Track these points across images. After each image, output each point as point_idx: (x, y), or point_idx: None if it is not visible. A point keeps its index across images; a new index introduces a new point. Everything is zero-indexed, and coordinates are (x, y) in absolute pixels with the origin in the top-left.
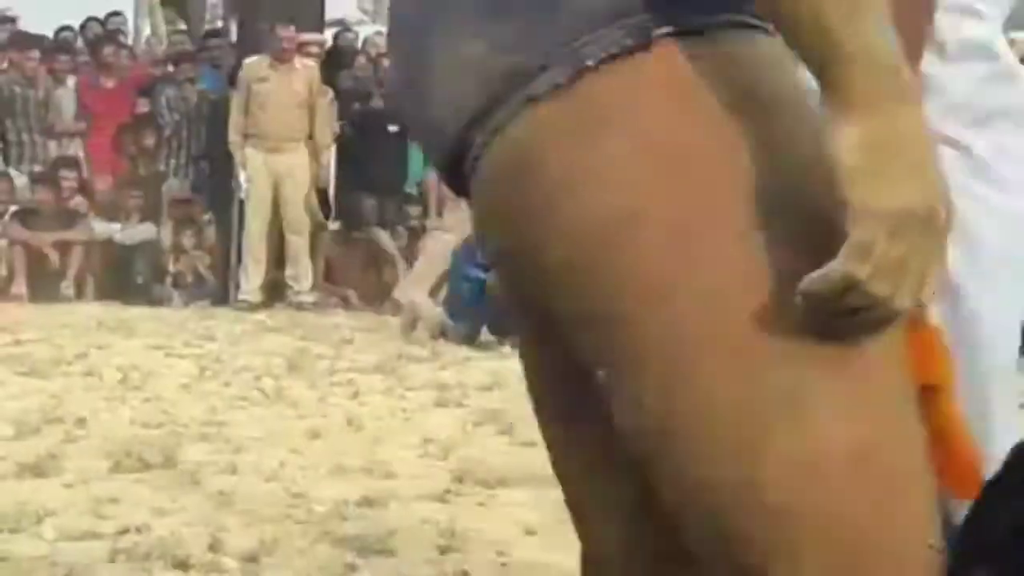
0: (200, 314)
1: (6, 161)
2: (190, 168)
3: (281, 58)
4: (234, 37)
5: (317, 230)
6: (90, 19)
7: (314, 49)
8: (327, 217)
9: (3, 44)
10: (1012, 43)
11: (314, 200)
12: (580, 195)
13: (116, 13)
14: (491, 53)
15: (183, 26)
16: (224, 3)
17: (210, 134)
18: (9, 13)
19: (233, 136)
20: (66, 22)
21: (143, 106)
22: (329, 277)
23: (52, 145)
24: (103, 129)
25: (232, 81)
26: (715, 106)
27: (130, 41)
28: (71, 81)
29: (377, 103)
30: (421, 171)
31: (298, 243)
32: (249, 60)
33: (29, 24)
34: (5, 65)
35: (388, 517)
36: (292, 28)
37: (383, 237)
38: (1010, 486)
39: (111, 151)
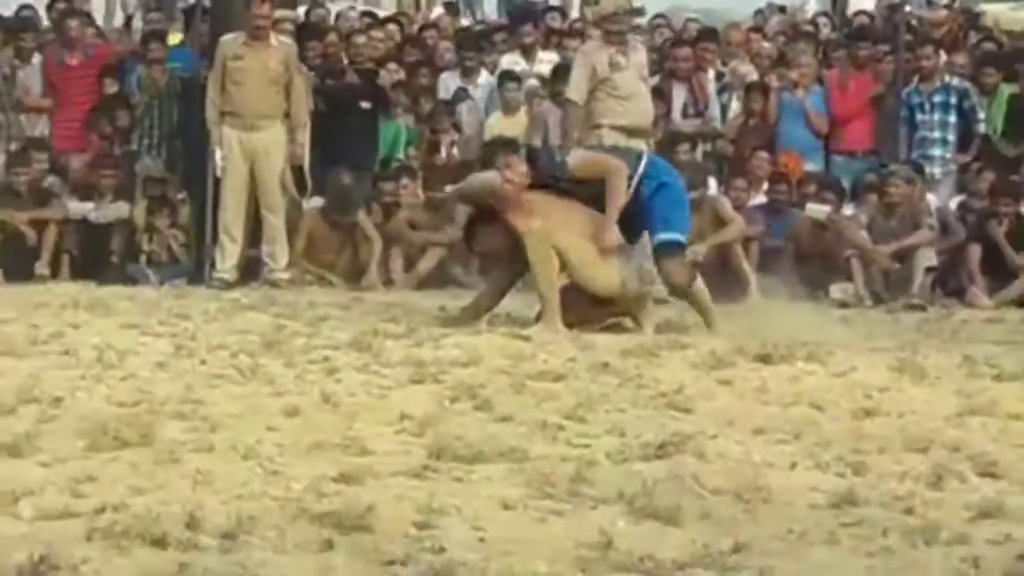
0: (175, 292)
1: None
2: (163, 147)
3: (256, 35)
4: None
5: (293, 208)
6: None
7: (287, 26)
8: (303, 194)
9: None
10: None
11: (289, 178)
12: None
13: None
14: None
15: (156, 4)
16: None
17: (183, 112)
18: None
19: (210, 114)
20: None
21: (111, 85)
22: (308, 254)
23: (23, 120)
24: (70, 107)
25: (206, 59)
26: None
27: (100, 20)
28: (36, 59)
29: (349, 79)
30: (391, 148)
31: (274, 221)
32: (225, 37)
33: None
34: None
35: (365, 494)
36: (267, 5)
37: (361, 215)
38: None
39: (80, 129)
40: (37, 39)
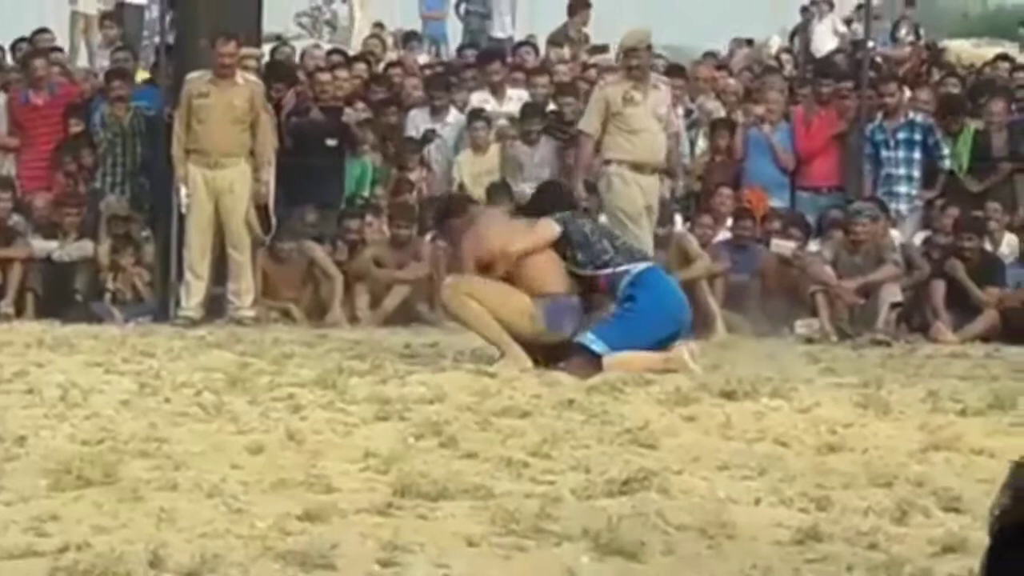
0: (140, 330)
1: None
2: (127, 185)
3: (222, 74)
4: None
5: (256, 245)
6: (19, 40)
7: (251, 63)
8: (267, 232)
9: None
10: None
11: (253, 216)
12: None
13: (44, 30)
14: None
15: (122, 42)
16: (161, 19)
17: (148, 150)
18: None
19: (175, 151)
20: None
21: (76, 124)
22: (268, 292)
23: None
24: (35, 146)
25: (169, 97)
26: None
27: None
28: (1, 98)
29: (315, 116)
30: (356, 185)
31: (239, 259)
32: (191, 75)
33: None
34: None
35: (330, 531)
36: (233, 43)
37: (318, 252)
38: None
39: (46, 168)
40: (2, 78)
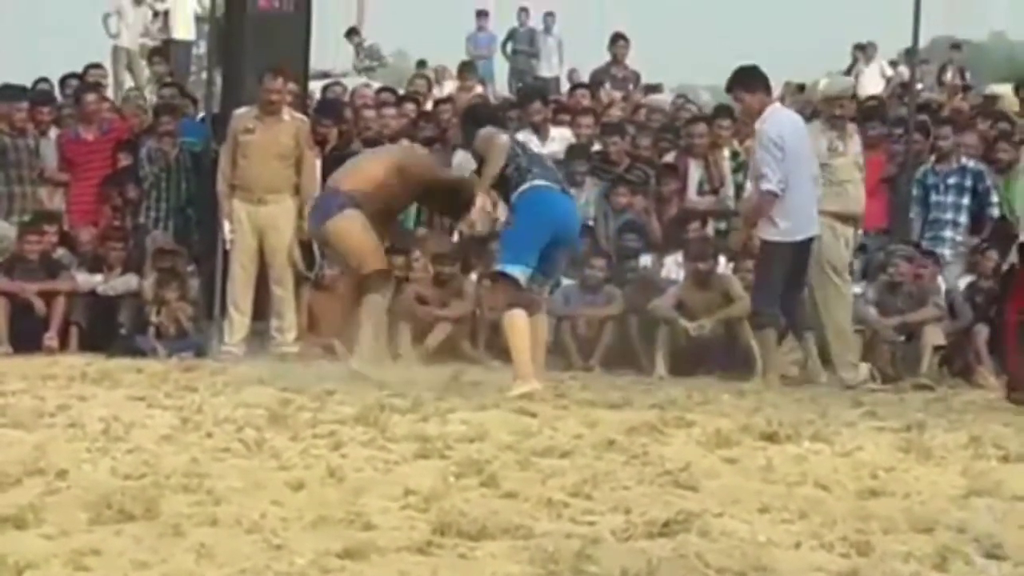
0: (183, 365)
1: None
2: (172, 219)
3: (268, 110)
4: (219, 88)
5: (300, 282)
6: (68, 75)
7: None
8: (311, 268)
9: None
10: (996, 98)
11: (297, 252)
12: None
13: (96, 65)
14: None
15: (170, 79)
16: (210, 55)
17: (193, 185)
18: None
19: (221, 186)
20: (42, 74)
21: (125, 159)
22: (311, 327)
23: (43, 194)
24: (85, 181)
25: (216, 132)
26: None
27: (109, 93)
28: (53, 132)
29: (356, 150)
30: (403, 222)
31: (282, 295)
32: (238, 111)
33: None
34: None
35: (369, 569)
36: (280, 80)
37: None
38: None
39: (94, 203)
40: (52, 112)
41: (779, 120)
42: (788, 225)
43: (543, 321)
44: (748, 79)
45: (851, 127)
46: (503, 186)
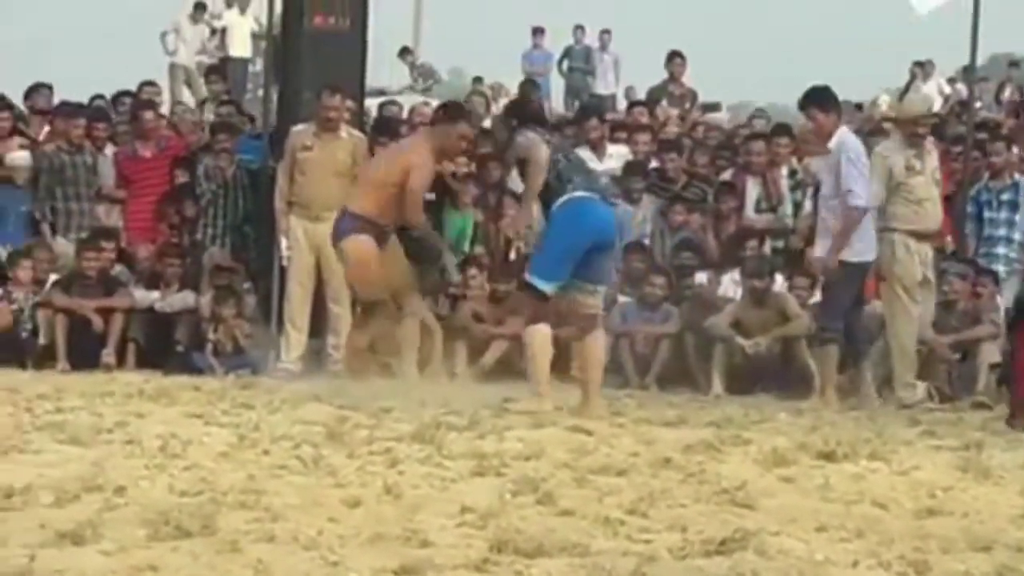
0: (240, 382)
1: (54, 230)
2: (228, 237)
3: (326, 127)
4: (275, 105)
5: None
6: (122, 92)
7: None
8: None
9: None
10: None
11: None
12: None
13: (150, 83)
14: None
15: (227, 96)
16: (267, 72)
17: (250, 203)
18: (46, 82)
19: (278, 203)
20: (97, 91)
21: (182, 176)
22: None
23: (100, 210)
24: (142, 197)
25: (273, 150)
26: None
27: (165, 109)
28: (109, 149)
29: None
30: (458, 240)
31: (339, 312)
32: (296, 128)
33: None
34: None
35: None
36: (337, 97)
37: (423, 308)
38: None
39: (151, 220)
40: (108, 129)
41: (855, 140)
42: (861, 246)
43: (601, 338)
44: (823, 99)
45: (929, 143)
46: (544, 192)
